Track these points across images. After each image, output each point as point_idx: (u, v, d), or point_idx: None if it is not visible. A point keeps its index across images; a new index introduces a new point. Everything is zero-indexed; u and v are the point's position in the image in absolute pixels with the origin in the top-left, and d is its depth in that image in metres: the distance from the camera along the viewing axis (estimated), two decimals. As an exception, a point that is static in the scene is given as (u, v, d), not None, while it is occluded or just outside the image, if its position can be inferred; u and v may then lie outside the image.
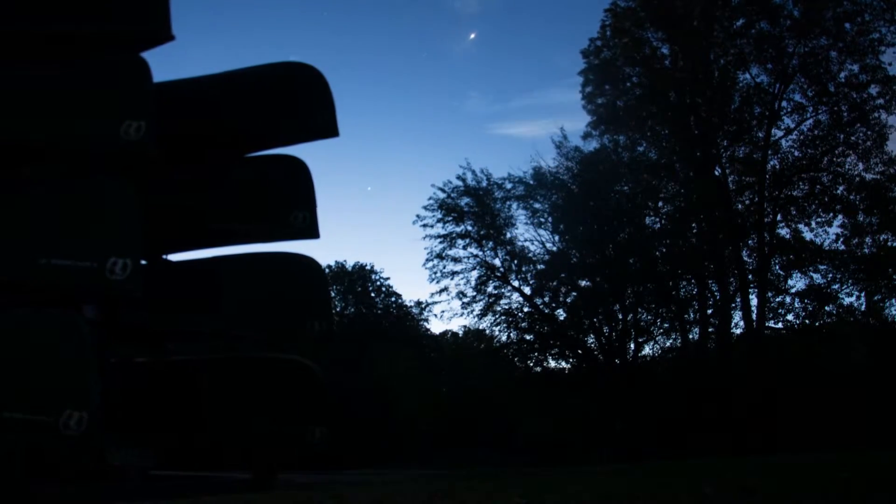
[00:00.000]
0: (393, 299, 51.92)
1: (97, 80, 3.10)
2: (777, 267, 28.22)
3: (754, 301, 27.65)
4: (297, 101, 4.09)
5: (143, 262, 4.16)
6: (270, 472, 4.15)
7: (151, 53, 3.62)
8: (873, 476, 5.48)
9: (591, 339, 30.24)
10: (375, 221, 75.71)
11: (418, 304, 45.78)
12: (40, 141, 3.26)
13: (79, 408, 3.06)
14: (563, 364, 31.61)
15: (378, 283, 51.80)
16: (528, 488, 5.43)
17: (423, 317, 48.30)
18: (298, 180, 4.05)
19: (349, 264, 51.41)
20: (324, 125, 4.13)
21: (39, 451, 3.16)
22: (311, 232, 4.08)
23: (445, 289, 29.79)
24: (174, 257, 4.42)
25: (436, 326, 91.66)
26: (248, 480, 4.11)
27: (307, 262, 3.99)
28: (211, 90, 4.14)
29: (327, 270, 51.08)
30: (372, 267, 50.91)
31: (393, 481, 8.69)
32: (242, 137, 4.20)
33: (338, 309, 51.80)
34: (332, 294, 51.46)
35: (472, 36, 58.82)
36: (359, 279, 51.84)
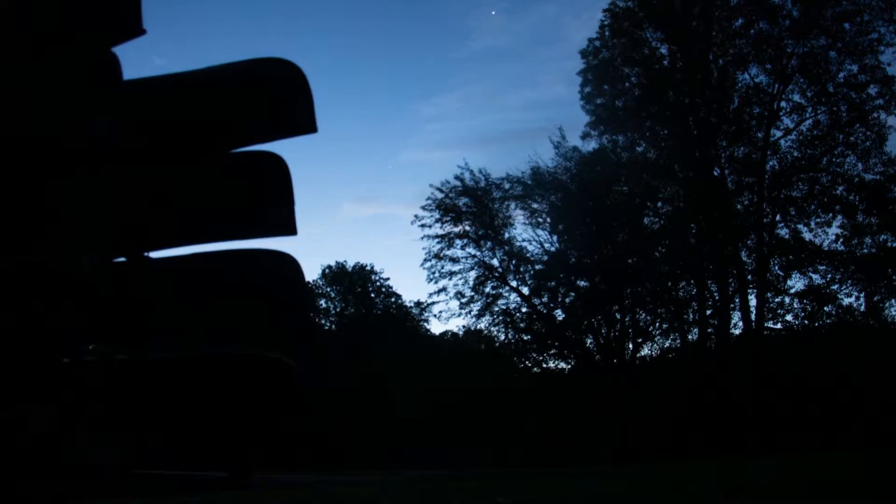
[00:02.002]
0: (393, 300, 51.94)
1: (64, 75, 3.05)
2: (776, 267, 28.20)
3: (753, 301, 27.62)
4: (274, 97, 4.03)
5: (122, 259, 4.09)
6: (247, 470, 4.07)
7: (126, 49, 3.57)
8: (860, 476, 5.45)
9: (589, 340, 30.18)
10: (376, 220, 75.74)
11: (418, 304, 45.80)
12: (5, 137, 3.20)
13: (46, 404, 3.01)
14: (562, 364, 31.57)
15: (378, 283, 51.81)
16: (515, 488, 5.41)
17: (422, 317, 48.33)
18: (276, 176, 3.98)
19: (349, 265, 51.42)
20: (302, 121, 4.06)
21: (7, 448, 3.11)
22: (289, 229, 4.01)
23: (444, 289, 29.78)
24: (151, 255, 4.36)
25: (435, 327, 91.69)
26: (224, 479, 4.05)
27: (284, 259, 3.92)
28: (186, 87, 4.08)
29: (327, 271, 51.13)
30: (372, 267, 50.92)
31: (384, 481, 8.69)
32: (219, 134, 4.13)
33: (338, 309, 51.83)
34: (332, 293, 51.45)
35: (493, 13, 58.10)
36: (359, 279, 51.86)
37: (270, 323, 4.02)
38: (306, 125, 4.28)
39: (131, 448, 4.29)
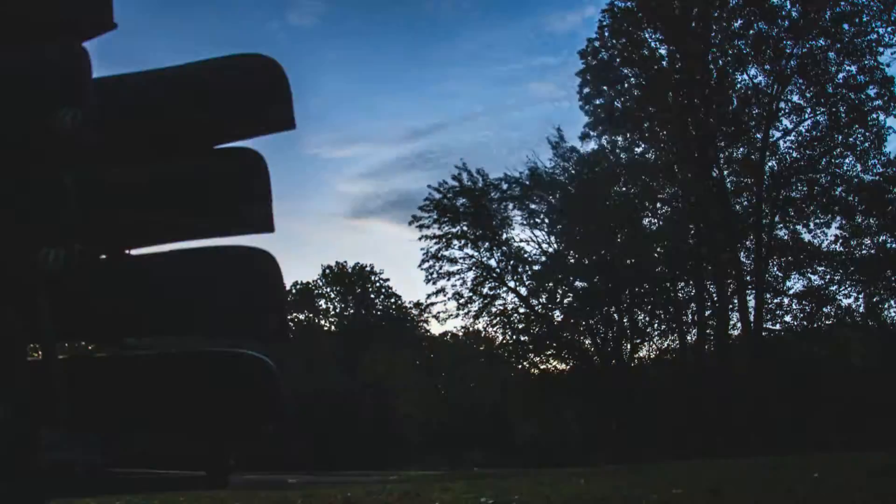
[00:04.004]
0: (392, 300, 51.96)
1: (30, 70, 3.03)
2: (775, 268, 28.17)
3: (752, 303, 27.56)
4: (252, 93, 4.01)
5: (103, 256, 4.10)
6: (225, 469, 4.07)
7: (106, 47, 3.57)
8: (847, 476, 5.43)
9: (587, 341, 30.13)
10: (376, 221, 75.81)
11: (417, 305, 45.83)
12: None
13: (18, 403, 3.00)
14: (560, 365, 31.54)
15: (378, 284, 51.83)
16: (500, 489, 5.39)
17: (422, 318, 48.38)
18: (254, 173, 3.97)
19: (349, 265, 51.44)
20: (281, 118, 4.06)
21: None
22: (267, 225, 4.01)
23: (442, 290, 29.67)
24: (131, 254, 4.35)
25: (435, 328, 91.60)
26: (202, 478, 4.04)
27: (261, 256, 3.91)
28: (164, 83, 4.07)
29: (327, 271, 51.14)
30: (372, 268, 50.96)
31: (373, 482, 8.69)
32: (197, 132, 4.12)
33: (337, 310, 51.80)
34: (332, 294, 51.44)
35: None
36: (358, 280, 51.86)
37: (247, 320, 3.99)
38: (285, 122, 4.27)
39: (110, 446, 4.26)
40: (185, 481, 4.25)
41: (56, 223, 3.12)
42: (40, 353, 3.64)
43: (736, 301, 27.91)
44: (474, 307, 29.64)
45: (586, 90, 30.17)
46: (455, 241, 29.41)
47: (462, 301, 29.57)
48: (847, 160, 27.61)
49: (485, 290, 29.69)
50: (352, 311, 51.03)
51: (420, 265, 29.72)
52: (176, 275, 4.05)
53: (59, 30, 3.26)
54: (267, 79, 4.14)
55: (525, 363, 30.74)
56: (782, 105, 27.85)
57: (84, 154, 3.26)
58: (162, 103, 4.11)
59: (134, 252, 4.45)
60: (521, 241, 30.02)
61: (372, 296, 51.80)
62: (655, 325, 29.92)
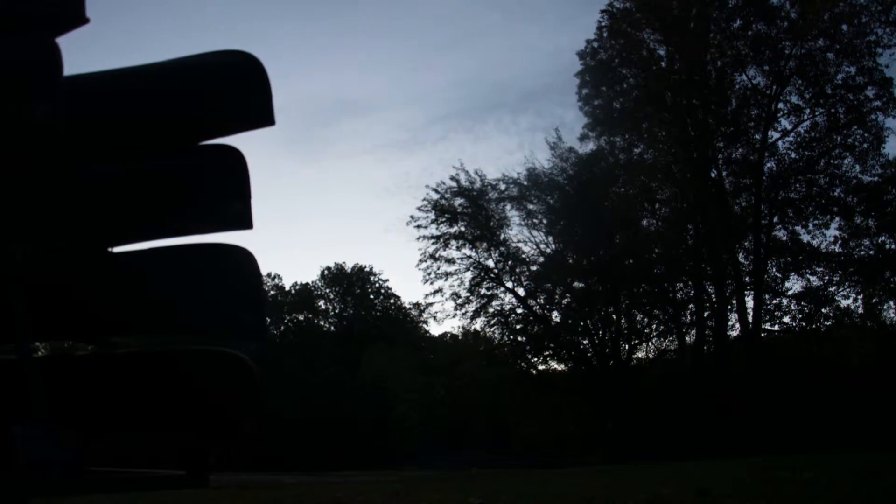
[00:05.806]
0: (392, 301, 51.97)
1: (1, 64, 3.00)
2: (774, 269, 28.11)
3: (751, 303, 27.50)
4: (232, 90, 3.99)
5: (86, 253, 4.07)
6: (205, 468, 4.03)
7: (86, 43, 3.54)
8: (837, 476, 5.40)
9: (585, 342, 30.06)
10: (377, 222, 76.02)
11: (416, 305, 45.78)
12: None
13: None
14: (559, 366, 31.50)
15: (377, 284, 51.84)
16: (489, 488, 5.36)
17: (421, 318, 48.33)
18: (233, 170, 3.94)
19: (348, 266, 51.43)
20: (260, 115, 4.03)
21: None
22: (246, 223, 3.98)
23: (440, 290, 29.61)
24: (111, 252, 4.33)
25: (435, 328, 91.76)
26: (182, 477, 4.00)
27: (240, 253, 3.88)
28: (142, 80, 4.04)
29: (327, 272, 51.12)
30: (371, 269, 50.97)
31: (369, 482, 8.67)
32: (176, 128, 4.10)
33: (336, 310, 51.79)
34: (331, 295, 51.38)
35: None
36: (357, 281, 51.85)
37: (225, 318, 3.95)
38: (264, 119, 4.23)
39: (88, 445, 4.22)
40: (164, 480, 4.22)
41: (24, 219, 3.09)
42: (16, 351, 3.62)
43: (735, 302, 27.87)
44: (471, 307, 29.59)
45: (585, 91, 30.11)
46: (453, 242, 29.37)
47: (459, 301, 29.52)
48: (846, 161, 27.64)
49: (482, 291, 29.64)
50: (351, 311, 51.02)
51: (418, 265, 29.70)
52: (156, 272, 4.02)
53: (30, 24, 3.23)
54: (246, 75, 4.11)
55: (523, 364, 30.67)
56: (781, 106, 27.85)
57: (59, 150, 3.24)
58: (141, 100, 4.08)
59: (115, 250, 4.42)
60: (519, 241, 29.98)
61: (371, 296, 51.81)
62: (654, 326, 29.89)
